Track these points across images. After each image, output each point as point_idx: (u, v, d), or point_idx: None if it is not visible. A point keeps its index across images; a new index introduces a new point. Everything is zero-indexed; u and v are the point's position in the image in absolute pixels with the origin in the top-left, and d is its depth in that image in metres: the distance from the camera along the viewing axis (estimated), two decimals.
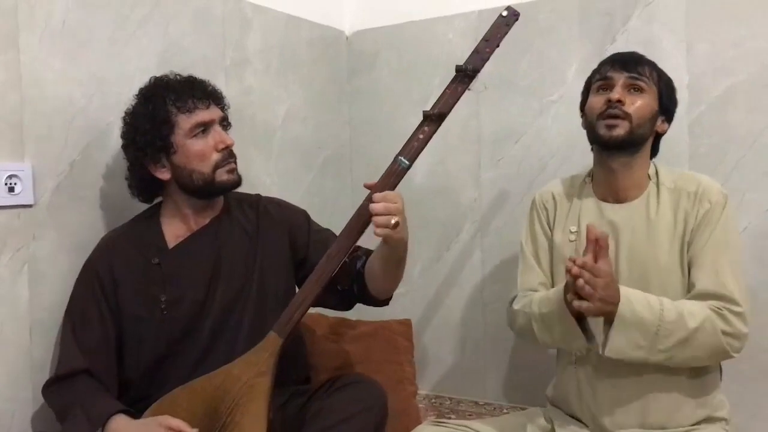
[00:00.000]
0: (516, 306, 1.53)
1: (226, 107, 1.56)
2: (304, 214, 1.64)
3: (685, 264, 1.41)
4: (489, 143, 2.15)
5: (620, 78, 1.44)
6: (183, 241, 1.51)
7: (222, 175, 1.47)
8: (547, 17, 2.03)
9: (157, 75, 1.53)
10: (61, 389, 1.41)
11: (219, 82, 1.90)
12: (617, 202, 1.49)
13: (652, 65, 1.48)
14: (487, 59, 1.33)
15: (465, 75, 1.33)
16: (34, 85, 1.50)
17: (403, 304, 2.29)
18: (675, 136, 1.84)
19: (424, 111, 1.32)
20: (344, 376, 1.46)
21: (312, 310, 1.69)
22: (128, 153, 1.50)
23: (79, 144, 1.59)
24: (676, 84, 1.83)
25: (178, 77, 1.51)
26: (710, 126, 1.81)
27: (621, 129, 1.41)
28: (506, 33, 1.35)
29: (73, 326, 1.45)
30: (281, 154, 2.15)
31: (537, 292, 1.51)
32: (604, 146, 1.45)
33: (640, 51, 1.83)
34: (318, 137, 2.29)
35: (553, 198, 1.58)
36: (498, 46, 1.35)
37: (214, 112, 1.48)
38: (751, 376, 1.73)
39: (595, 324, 1.37)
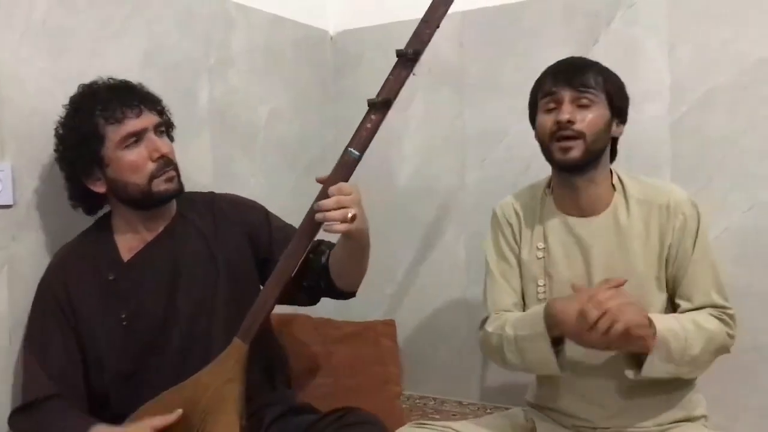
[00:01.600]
0: (489, 328, 1.48)
1: (164, 111, 1.48)
2: (262, 211, 1.58)
3: (662, 276, 1.41)
4: (473, 144, 2.15)
5: (566, 93, 1.38)
6: (137, 254, 1.45)
7: (159, 185, 1.40)
8: (531, 18, 2.04)
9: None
10: (31, 417, 1.36)
11: (203, 82, 1.90)
12: (583, 216, 1.45)
13: (597, 69, 1.42)
14: (428, 41, 1.27)
15: (407, 59, 1.27)
16: (13, 84, 1.49)
17: (387, 305, 2.29)
18: (656, 137, 1.86)
19: (368, 99, 1.28)
20: (356, 413, 1.39)
21: (299, 310, 1.69)
22: (61, 166, 1.45)
23: None
24: (658, 85, 1.85)
25: (109, 82, 1.44)
26: (692, 127, 1.83)
27: (576, 151, 1.37)
28: (444, 13, 1.27)
29: (34, 350, 1.40)
30: (265, 155, 2.14)
31: (510, 312, 1.48)
32: (561, 169, 1.42)
33: (623, 53, 1.86)
34: (303, 137, 2.28)
35: (516, 213, 1.54)
36: (438, 26, 1.27)
37: (145, 120, 1.40)
38: (732, 375, 1.74)
39: (573, 348, 1.37)
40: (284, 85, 2.21)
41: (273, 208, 1.64)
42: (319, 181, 1.29)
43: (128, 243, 1.46)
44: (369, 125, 1.27)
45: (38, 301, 1.44)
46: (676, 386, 1.42)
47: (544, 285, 1.46)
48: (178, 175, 1.45)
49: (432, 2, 1.27)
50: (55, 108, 1.55)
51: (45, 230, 1.54)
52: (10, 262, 1.48)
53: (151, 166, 1.40)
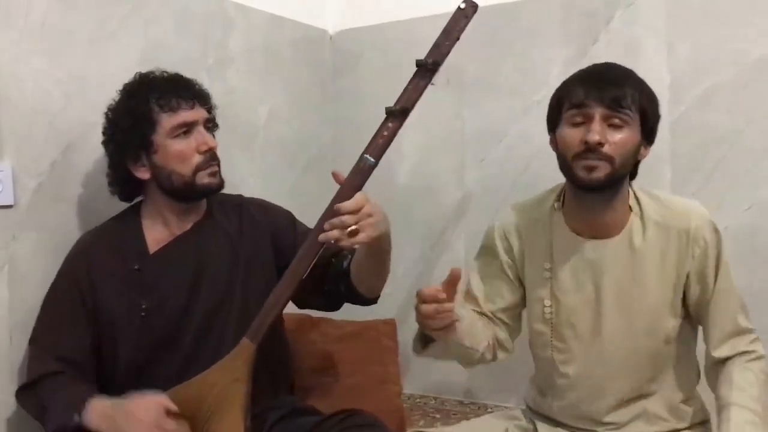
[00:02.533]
0: None
1: (212, 108, 1.51)
2: (288, 216, 1.60)
3: (677, 303, 1.35)
4: (472, 144, 2.15)
5: (598, 110, 1.25)
6: (164, 247, 1.47)
7: (203, 178, 1.43)
8: (529, 18, 2.04)
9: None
10: (35, 391, 1.38)
11: (201, 82, 1.89)
12: (595, 238, 1.36)
13: (633, 84, 1.29)
14: (447, 53, 1.28)
15: (426, 69, 1.28)
16: (13, 84, 1.48)
17: (387, 304, 2.28)
18: (656, 136, 1.86)
19: (386, 108, 1.28)
20: (359, 415, 1.39)
21: (299, 311, 1.69)
22: (108, 150, 1.46)
23: (60, 144, 1.57)
24: (658, 84, 1.84)
25: (164, 74, 1.47)
26: (691, 126, 1.83)
27: (601, 172, 1.26)
28: (465, 25, 1.29)
29: (46, 331, 1.42)
30: (264, 155, 2.14)
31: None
32: (581, 188, 1.31)
33: (622, 52, 1.86)
34: (301, 137, 2.28)
35: (518, 231, 1.45)
36: (458, 39, 1.29)
37: (198, 113, 1.44)
38: None
39: (572, 361, 1.37)
40: (283, 84, 2.21)
41: None
42: (335, 176, 1.27)
43: (156, 235, 1.48)
44: (386, 133, 1.27)
45: (59, 281, 1.45)
46: (677, 397, 1.41)
47: (551, 306, 1.41)
48: (220, 172, 1.47)
49: (453, 15, 1.29)
50: (55, 108, 1.56)
51: (45, 230, 1.54)
52: (11, 262, 1.48)
53: (197, 158, 1.42)
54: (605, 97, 1.25)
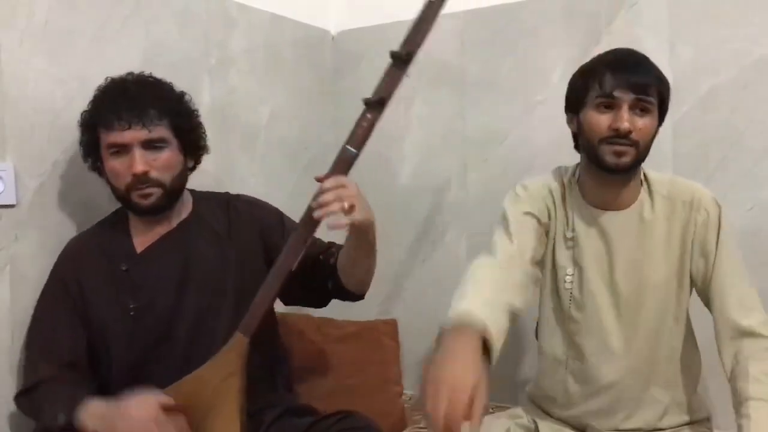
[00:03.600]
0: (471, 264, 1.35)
1: (166, 122, 1.41)
2: (277, 213, 1.59)
3: (685, 274, 1.39)
4: (474, 144, 2.15)
5: (626, 98, 1.31)
6: (151, 246, 1.47)
7: (135, 198, 1.41)
8: (531, 18, 2.04)
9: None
10: (31, 395, 1.38)
11: (203, 82, 1.90)
12: (609, 209, 1.42)
13: (655, 71, 1.37)
14: (421, 43, 1.30)
15: (401, 61, 1.32)
16: (15, 84, 1.49)
17: (388, 305, 2.29)
18: (659, 135, 1.86)
19: (363, 99, 1.32)
20: (353, 418, 1.39)
21: (301, 310, 1.69)
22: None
23: (62, 144, 1.57)
24: None
25: (126, 83, 1.43)
26: (693, 126, 1.83)
27: (628, 157, 1.33)
28: (437, 14, 1.31)
29: (41, 335, 1.42)
30: (266, 155, 2.14)
31: (484, 273, 1.31)
32: (607, 171, 1.36)
33: None
34: (303, 138, 2.28)
35: (550, 193, 1.46)
36: (429, 29, 1.31)
37: (133, 135, 1.37)
38: None
39: (577, 355, 1.37)
40: (284, 85, 2.21)
41: None
42: (318, 179, 1.31)
43: (142, 236, 1.48)
44: (365, 123, 1.31)
45: (49, 286, 1.46)
46: (680, 391, 1.42)
47: (573, 275, 1.44)
48: (164, 191, 1.42)
49: (423, 6, 1.31)
50: (56, 107, 1.56)
51: (47, 230, 1.54)
52: (13, 262, 1.48)
53: (128, 179, 1.40)
54: (633, 85, 1.31)
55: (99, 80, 1.62)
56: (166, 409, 1.27)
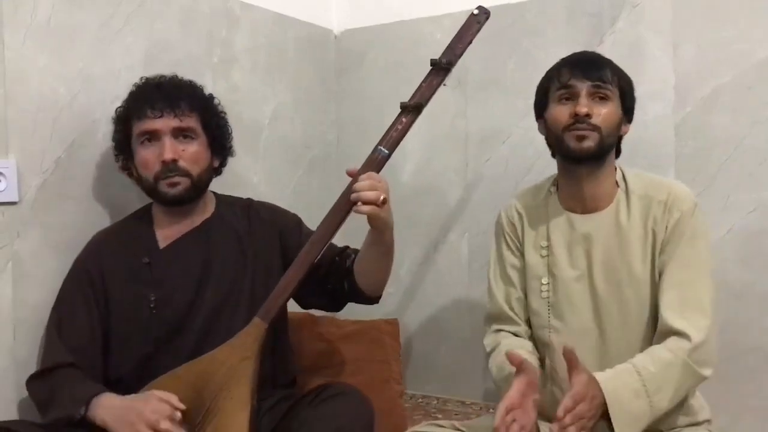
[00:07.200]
0: (486, 341, 1.52)
1: (196, 115, 1.49)
2: (295, 219, 1.64)
3: (656, 275, 1.38)
4: (476, 143, 2.15)
5: (583, 86, 1.37)
6: (174, 242, 1.51)
7: (162, 187, 1.45)
8: (534, 18, 2.04)
9: (146, 73, 1.54)
10: (46, 379, 1.40)
11: (206, 81, 1.89)
12: (586, 212, 1.44)
13: (612, 66, 1.42)
14: (461, 55, 1.38)
15: (440, 68, 1.38)
16: (18, 81, 1.49)
17: (390, 304, 2.29)
18: (661, 137, 1.86)
19: (401, 102, 1.37)
20: (332, 386, 1.42)
21: (300, 310, 1.69)
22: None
23: (65, 141, 1.57)
24: (663, 85, 1.85)
25: (160, 79, 1.51)
26: (696, 127, 1.83)
27: (591, 141, 1.36)
28: (478, 30, 1.40)
29: (60, 322, 1.45)
30: (268, 153, 2.14)
31: (506, 338, 1.48)
32: (573, 159, 1.40)
33: (627, 52, 1.86)
34: (305, 136, 2.29)
35: (519, 214, 1.53)
36: (470, 42, 1.39)
37: (165, 122, 1.44)
38: (735, 377, 1.74)
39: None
40: (287, 83, 2.21)
41: None
42: (349, 173, 1.36)
43: (166, 232, 1.52)
44: (400, 126, 1.37)
45: (71, 276, 1.50)
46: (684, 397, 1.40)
47: (548, 283, 1.46)
48: (191, 182, 1.47)
49: (467, 20, 1.40)
50: (60, 105, 1.56)
51: (49, 227, 1.54)
52: (15, 259, 1.49)
53: (157, 167, 1.45)
54: (589, 74, 1.38)
55: (102, 78, 1.64)
56: (175, 421, 1.28)
